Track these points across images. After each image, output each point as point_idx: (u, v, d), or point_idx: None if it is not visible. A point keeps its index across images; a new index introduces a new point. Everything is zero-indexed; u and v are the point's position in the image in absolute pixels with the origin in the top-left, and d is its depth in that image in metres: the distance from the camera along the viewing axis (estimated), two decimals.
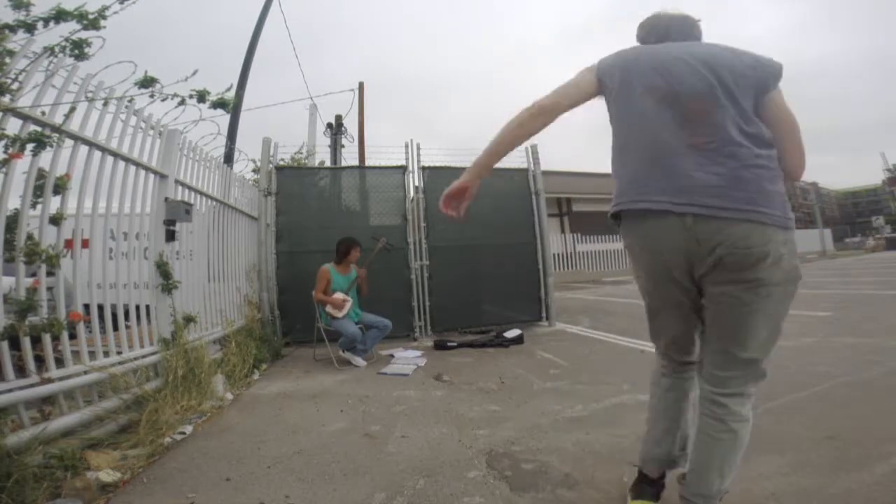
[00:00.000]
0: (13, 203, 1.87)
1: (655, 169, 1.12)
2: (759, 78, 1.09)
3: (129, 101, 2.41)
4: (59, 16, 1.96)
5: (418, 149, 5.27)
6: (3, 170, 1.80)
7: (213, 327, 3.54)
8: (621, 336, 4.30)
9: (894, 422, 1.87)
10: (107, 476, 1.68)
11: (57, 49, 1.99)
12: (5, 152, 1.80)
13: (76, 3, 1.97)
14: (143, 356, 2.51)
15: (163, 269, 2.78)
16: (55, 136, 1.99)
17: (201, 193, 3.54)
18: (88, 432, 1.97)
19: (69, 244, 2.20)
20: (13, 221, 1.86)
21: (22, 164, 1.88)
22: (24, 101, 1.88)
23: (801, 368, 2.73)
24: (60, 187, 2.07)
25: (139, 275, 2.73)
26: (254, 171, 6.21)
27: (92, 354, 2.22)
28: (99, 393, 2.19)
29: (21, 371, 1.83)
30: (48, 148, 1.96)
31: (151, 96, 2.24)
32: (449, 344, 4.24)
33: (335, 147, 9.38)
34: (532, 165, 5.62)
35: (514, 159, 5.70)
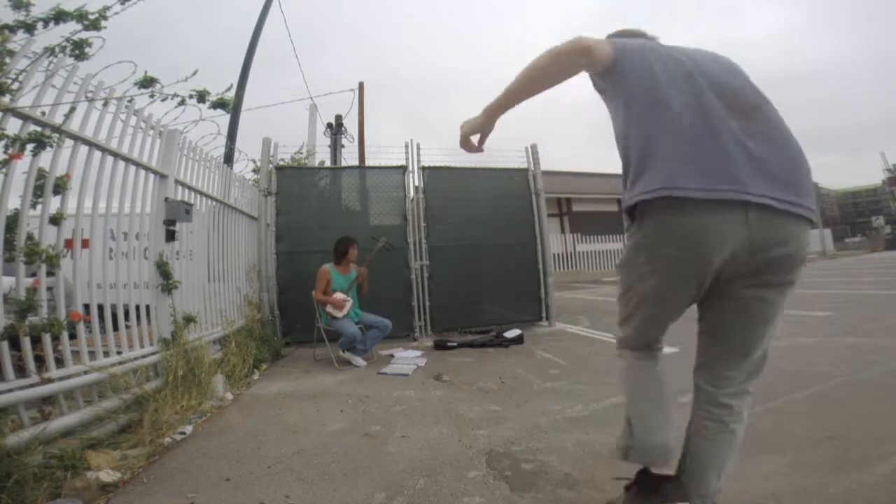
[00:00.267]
0: (13, 203, 1.87)
1: (711, 156, 0.97)
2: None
3: (129, 101, 2.42)
4: (59, 16, 1.97)
5: (418, 149, 5.27)
6: (3, 170, 1.80)
7: (213, 327, 3.54)
8: None
9: (894, 422, 1.87)
10: (107, 476, 1.69)
11: (57, 49, 1.99)
12: (5, 152, 1.80)
13: (76, 3, 1.97)
14: (143, 356, 2.51)
15: (163, 269, 2.78)
16: (55, 136, 2.00)
17: (201, 193, 3.54)
18: (88, 432, 1.97)
19: (69, 244, 2.20)
20: (13, 221, 1.86)
21: (22, 164, 1.88)
22: (24, 101, 1.88)
23: (801, 368, 2.73)
24: (60, 187, 2.07)
25: (139, 275, 2.73)
26: (254, 171, 6.21)
27: (92, 354, 2.22)
28: (99, 393, 2.19)
29: (21, 371, 1.83)
30: (48, 148, 1.96)
31: (151, 96, 2.24)
32: (449, 344, 4.24)
33: (335, 147, 9.38)
34: (532, 165, 5.62)
35: (514, 159, 5.73)
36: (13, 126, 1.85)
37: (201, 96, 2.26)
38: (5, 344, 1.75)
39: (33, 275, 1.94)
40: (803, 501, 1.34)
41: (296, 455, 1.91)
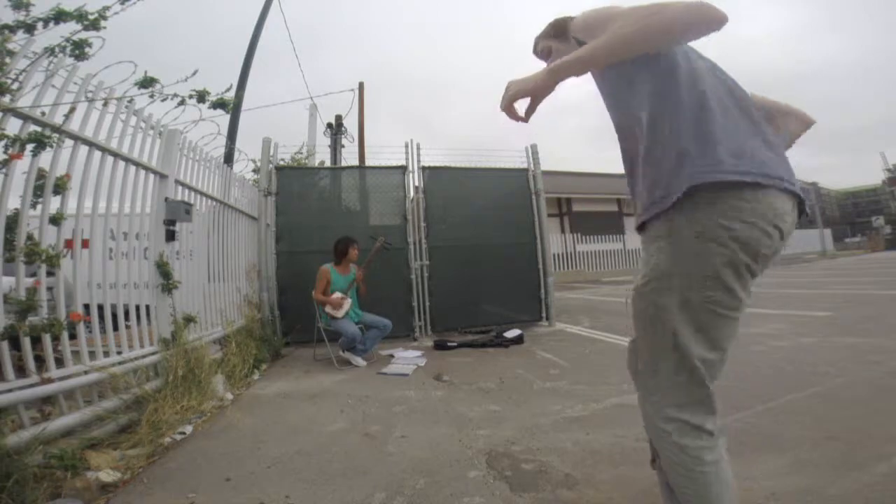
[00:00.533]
0: (13, 203, 1.87)
1: (758, 137, 0.90)
2: None
3: (129, 101, 2.42)
4: (59, 16, 1.97)
5: (418, 149, 5.27)
6: (3, 170, 1.80)
7: (213, 327, 3.54)
8: (621, 336, 4.29)
9: (894, 422, 1.87)
10: (107, 476, 1.69)
11: (57, 49, 1.99)
12: (5, 152, 1.80)
13: (76, 3, 1.97)
14: (143, 356, 2.51)
15: (163, 269, 2.78)
16: (55, 136, 2.00)
17: (201, 193, 3.54)
18: (88, 432, 1.97)
19: (69, 244, 2.20)
20: (13, 221, 1.86)
21: (22, 164, 1.89)
22: (24, 102, 1.88)
23: (801, 368, 2.73)
24: (60, 187, 2.07)
25: (139, 275, 2.74)
26: (254, 171, 6.21)
27: (92, 354, 2.22)
28: (99, 393, 2.19)
29: (21, 371, 1.83)
30: (48, 148, 1.96)
31: (151, 96, 2.25)
32: (449, 344, 4.24)
33: (335, 147, 9.38)
34: (532, 165, 5.62)
35: (514, 159, 5.73)
36: (13, 126, 1.85)
37: (201, 96, 2.26)
38: (5, 344, 1.75)
39: (33, 275, 1.94)
40: (803, 501, 1.34)
41: (296, 455, 1.91)
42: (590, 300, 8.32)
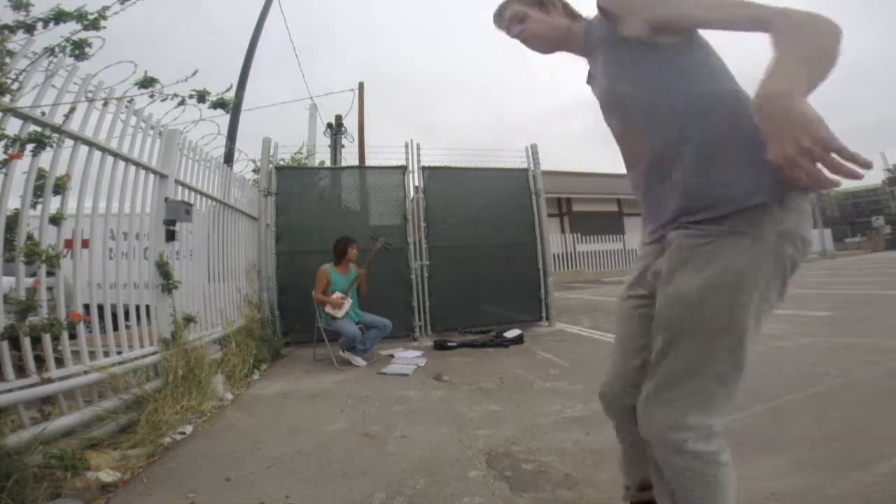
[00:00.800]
0: (13, 203, 1.87)
1: None
2: None
3: (129, 101, 2.42)
4: (59, 16, 1.97)
5: (418, 149, 5.27)
6: (3, 170, 1.80)
7: (213, 327, 3.54)
8: None
9: (894, 422, 1.87)
10: (107, 476, 1.69)
11: (57, 49, 1.99)
12: (5, 152, 1.80)
13: (76, 3, 1.97)
14: (143, 356, 2.51)
15: (163, 269, 2.78)
16: (55, 136, 2.00)
17: (201, 193, 3.54)
18: (88, 432, 1.97)
19: (69, 244, 2.20)
20: (13, 221, 1.86)
21: (22, 164, 1.89)
22: (24, 101, 1.88)
23: (801, 368, 2.73)
24: (60, 187, 2.07)
25: (139, 275, 2.74)
26: (254, 171, 6.22)
27: (92, 354, 2.23)
28: (99, 393, 2.19)
29: (21, 371, 1.83)
30: (48, 148, 1.96)
31: (151, 96, 2.25)
32: (449, 344, 4.24)
33: (335, 147, 9.38)
34: (532, 165, 5.62)
35: (514, 159, 5.73)
36: (13, 126, 1.85)
37: (201, 96, 2.26)
38: (5, 344, 1.75)
39: (33, 275, 1.94)
40: (803, 501, 1.34)
41: (296, 455, 1.91)
42: (590, 300, 8.32)
